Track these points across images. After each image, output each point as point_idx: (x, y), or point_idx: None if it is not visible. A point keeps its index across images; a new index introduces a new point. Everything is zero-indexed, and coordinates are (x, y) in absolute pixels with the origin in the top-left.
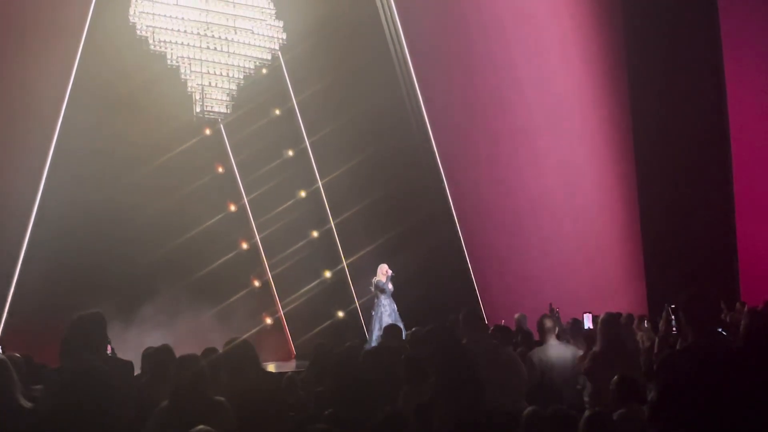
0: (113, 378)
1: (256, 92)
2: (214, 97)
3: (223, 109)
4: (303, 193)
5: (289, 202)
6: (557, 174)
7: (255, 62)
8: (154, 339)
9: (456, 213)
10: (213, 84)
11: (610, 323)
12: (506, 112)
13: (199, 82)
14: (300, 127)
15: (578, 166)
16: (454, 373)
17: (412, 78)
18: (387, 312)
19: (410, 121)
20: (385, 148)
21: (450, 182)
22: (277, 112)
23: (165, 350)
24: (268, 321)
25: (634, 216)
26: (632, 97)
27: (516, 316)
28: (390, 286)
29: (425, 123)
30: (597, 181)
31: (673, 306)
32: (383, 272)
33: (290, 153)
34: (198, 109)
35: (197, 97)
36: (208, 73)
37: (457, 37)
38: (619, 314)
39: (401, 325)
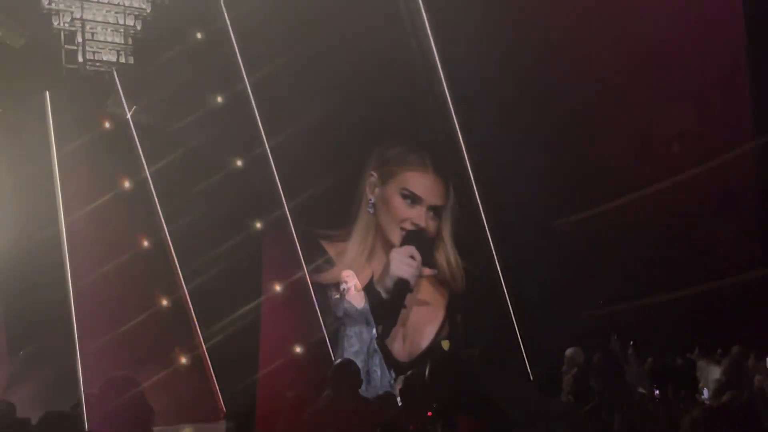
0: None
1: (167, 12)
2: (99, 38)
3: (113, 57)
4: (239, 162)
5: (218, 176)
6: None
7: None
8: None
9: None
10: (98, 17)
11: None
12: None
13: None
14: (236, 56)
15: None
16: None
17: None
18: (353, 347)
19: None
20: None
21: None
22: (199, 36)
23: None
24: (183, 361)
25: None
26: None
27: (568, 352)
28: (361, 304)
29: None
30: None
31: None
32: (351, 285)
33: (219, 99)
34: (80, 59)
35: (79, 40)
36: None
37: None
38: None
39: (378, 363)
